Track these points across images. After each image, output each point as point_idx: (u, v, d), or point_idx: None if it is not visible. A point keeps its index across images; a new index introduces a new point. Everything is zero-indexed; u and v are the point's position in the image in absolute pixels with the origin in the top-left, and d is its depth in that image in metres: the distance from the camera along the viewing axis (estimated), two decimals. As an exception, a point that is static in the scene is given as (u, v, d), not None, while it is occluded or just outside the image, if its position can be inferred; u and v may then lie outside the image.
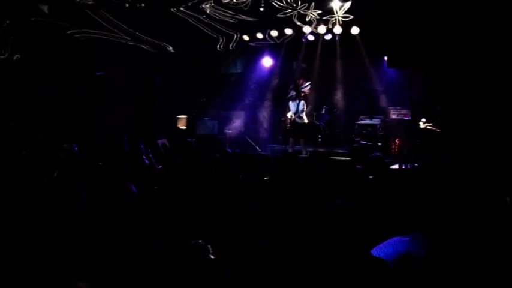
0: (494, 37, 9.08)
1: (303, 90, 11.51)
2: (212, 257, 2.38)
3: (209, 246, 2.44)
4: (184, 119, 13.93)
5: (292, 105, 11.39)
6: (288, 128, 11.43)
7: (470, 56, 9.56)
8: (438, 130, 9.76)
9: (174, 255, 2.44)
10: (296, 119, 11.20)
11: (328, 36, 11.88)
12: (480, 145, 8.66)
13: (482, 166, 6.73)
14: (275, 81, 14.09)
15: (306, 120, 11.41)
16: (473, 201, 3.98)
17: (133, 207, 4.07)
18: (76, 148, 6.65)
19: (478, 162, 7.28)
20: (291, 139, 11.53)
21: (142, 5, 10.06)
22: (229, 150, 8.21)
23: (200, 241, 2.47)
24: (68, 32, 10.78)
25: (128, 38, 11.73)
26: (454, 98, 9.79)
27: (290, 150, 11.11)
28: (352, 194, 4.20)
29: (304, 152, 11.01)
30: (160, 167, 6.67)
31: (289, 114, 11.35)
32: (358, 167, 4.77)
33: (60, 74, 10.87)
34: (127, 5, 10.00)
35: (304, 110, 11.28)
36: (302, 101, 11.29)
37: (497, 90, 9.19)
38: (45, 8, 9.78)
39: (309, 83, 11.74)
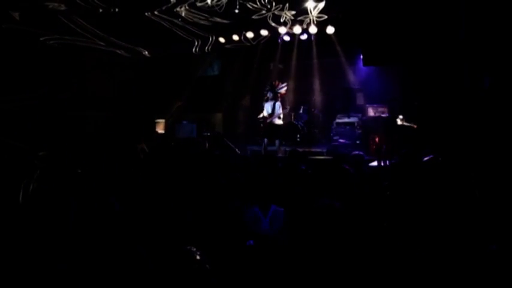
0: (468, 33, 9.24)
1: (279, 91, 11.48)
2: (198, 257, 2.36)
3: (197, 251, 2.42)
4: (163, 123, 13.85)
5: (267, 106, 11.37)
6: (262, 129, 11.41)
7: (445, 52, 9.70)
8: (415, 126, 9.87)
9: (161, 261, 2.41)
10: (272, 120, 11.18)
11: (304, 36, 11.92)
12: (454, 140, 8.79)
13: (456, 161, 6.83)
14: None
15: (281, 122, 11.37)
16: (446, 195, 4.08)
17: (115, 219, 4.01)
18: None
19: (453, 157, 7.38)
20: (265, 140, 11.47)
21: (116, 10, 9.96)
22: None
23: (189, 247, 2.45)
24: (41, 39, 10.61)
25: (103, 44, 11.60)
26: (430, 94, 9.93)
27: (262, 152, 11.09)
28: (336, 193, 4.23)
29: (279, 153, 10.98)
30: None
31: (262, 115, 11.34)
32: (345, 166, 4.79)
33: (36, 81, 10.69)
34: (101, 10, 9.90)
35: (281, 111, 11.26)
36: (278, 103, 11.27)
37: (472, 85, 9.35)
38: (16, 14, 9.61)
39: (285, 84, 11.73)
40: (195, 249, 2.44)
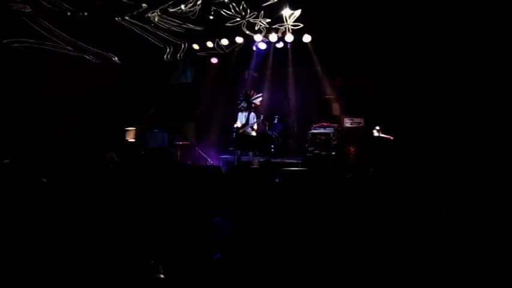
0: (440, 46, 9.35)
1: (253, 101, 11.34)
2: (162, 276, 2.31)
3: (160, 265, 2.39)
4: (133, 131, 13.54)
5: (241, 116, 11.24)
6: (235, 139, 11.25)
7: (419, 63, 9.78)
8: (392, 138, 9.86)
9: (126, 274, 2.37)
10: (245, 130, 11.04)
11: (280, 45, 11.84)
12: (428, 154, 8.84)
13: (427, 178, 6.86)
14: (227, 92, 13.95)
15: (254, 133, 11.22)
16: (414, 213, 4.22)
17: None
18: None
19: (425, 174, 7.41)
20: (238, 151, 11.29)
21: (85, 13, 9.69)
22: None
23: (152, 261, 2.39)
24: (5, 41, 10.22)
25: (70, 48, 11.25)
26: (407, 105, 9.98)
27: (235, 163, 10.93)
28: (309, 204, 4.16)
29: (253, 164, 10.82)
30: None
31: (236, 125, 11.20)
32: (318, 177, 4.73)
33: (0, 86, 10.34)
34: (69, 14, 9.61)
35: (255, 122, 11.11)
36: (252, 113, 11.13)
37: (443, 97, 9.46)
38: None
39: (260, 94, 11.60)
40: (158, 264, 2.38)
